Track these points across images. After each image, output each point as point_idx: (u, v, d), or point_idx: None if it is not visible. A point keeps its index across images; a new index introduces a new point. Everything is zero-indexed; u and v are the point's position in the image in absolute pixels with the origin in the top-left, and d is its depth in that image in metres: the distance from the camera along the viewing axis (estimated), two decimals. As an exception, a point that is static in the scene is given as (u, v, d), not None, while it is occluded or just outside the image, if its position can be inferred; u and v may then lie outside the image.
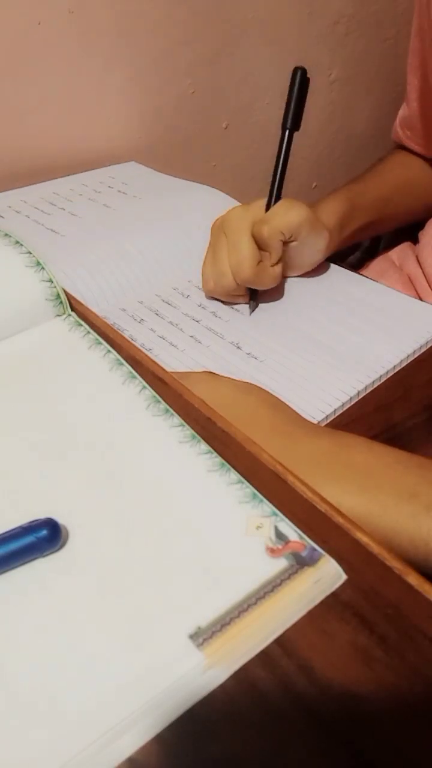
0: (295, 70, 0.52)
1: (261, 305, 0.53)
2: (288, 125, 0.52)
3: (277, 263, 0.51)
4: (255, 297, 0.53)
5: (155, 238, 0.58)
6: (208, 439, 0.31)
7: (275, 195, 0.53)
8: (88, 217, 0.63)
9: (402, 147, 0.72)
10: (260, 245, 0.50)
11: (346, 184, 0.65)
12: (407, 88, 0.69)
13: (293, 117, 0.52)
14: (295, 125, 0.53)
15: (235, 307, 0.53)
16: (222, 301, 0.54)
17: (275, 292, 0.54)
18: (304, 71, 0.52)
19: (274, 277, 0.52)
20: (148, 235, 0.59)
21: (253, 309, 0.53)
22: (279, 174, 0.53)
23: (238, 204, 0.62)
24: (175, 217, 0.61)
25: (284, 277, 0.56)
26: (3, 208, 0.64)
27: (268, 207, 0.52)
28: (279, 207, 0.52)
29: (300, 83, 0.52)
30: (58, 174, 0.73)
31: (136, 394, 0.34)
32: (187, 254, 0.58)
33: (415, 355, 0.48)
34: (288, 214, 0.51)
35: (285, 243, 0.52)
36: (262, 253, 0.51)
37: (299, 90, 0.52)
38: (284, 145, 0.53)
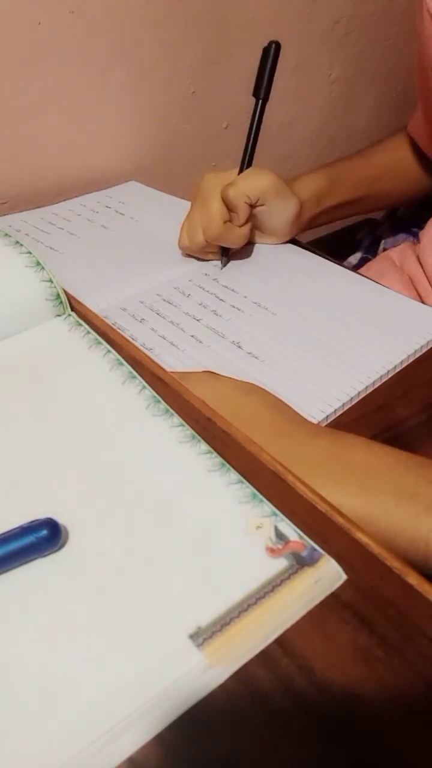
0: (270, 43, 0.55)
1: (262, 304, 0.53)
2: (261, 95, 0.57)
3: (244, 224, 0.56)
4: (226, 254, 0.58)
5: (156, 241, 0.59)
6: (208, 439, 0.31)
7: (246, 162, 0.57)
8: (86, 237, 0.65)
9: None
10: (228, 207, 0.54)
11: (333, 161, 0.67)
12: (416, 89, 0.69)
13: (266, 87, 0.56)
14: (267, 96, 0.57)
15: (236, 306, 0.53)
16: (197, 258, 0.59)
17: (244, 253, 0.60)
18: (278, 45, 0.55)
19: (241, 236, 0.56)
20: (148, 244, 0.59)
21: (224, 264, 0.58)
22: (251, 142, 0.57)
23: None
24: (173, 235, 0.61)
25: (259, 242, 0.61)
26: (2, 227, 0.65)
27: (240, 173, 0.56)
28: (247, 172, 0.56)
29: (273, 56, 0.56)
30: (60, 193, 0.74)
31: (136, 394, 0.34)
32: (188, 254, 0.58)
33: (416, 356, 0.48)
34: (253, 179, 0.55)
35: (253, 206, 0.56)
36: (231, 214, 0.55)
37: (272, 62, 0.56)
38: (256, 115, 0.57)
